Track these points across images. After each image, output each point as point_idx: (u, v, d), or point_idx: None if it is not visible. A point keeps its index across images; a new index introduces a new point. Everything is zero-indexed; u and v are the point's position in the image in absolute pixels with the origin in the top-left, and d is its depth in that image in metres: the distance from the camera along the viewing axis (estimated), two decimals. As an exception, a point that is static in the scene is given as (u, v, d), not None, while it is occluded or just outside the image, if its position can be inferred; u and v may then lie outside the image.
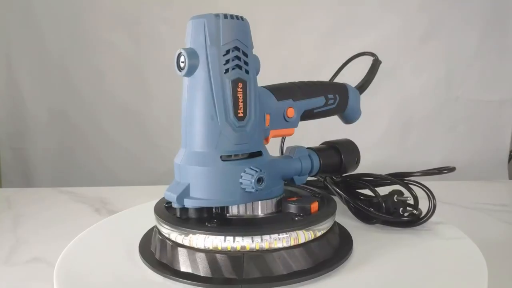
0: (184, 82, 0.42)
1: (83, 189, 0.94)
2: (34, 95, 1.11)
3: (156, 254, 0.43)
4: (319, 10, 1.04)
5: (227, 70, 0.40)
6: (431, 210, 0.51)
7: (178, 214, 0.42)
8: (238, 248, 0.39)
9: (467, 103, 1.06)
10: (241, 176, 0.41)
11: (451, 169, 0.54)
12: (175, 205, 0.41)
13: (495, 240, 0.63)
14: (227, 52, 0.41)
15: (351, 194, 0.54)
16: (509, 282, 0.51)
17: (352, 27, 1.04)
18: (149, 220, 0.57)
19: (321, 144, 0.54)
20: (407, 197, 0.52)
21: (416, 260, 0.44)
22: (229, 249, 0.39)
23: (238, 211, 0.43)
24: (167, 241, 0.42)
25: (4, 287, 0.53)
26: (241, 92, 0.41)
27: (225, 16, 0.41)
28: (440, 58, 1.05)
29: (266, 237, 0.39)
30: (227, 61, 0.40)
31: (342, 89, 0.54)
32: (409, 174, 0.55)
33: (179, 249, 0.41)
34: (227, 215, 0.43)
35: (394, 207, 0.51)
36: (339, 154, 0.52)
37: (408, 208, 0.52)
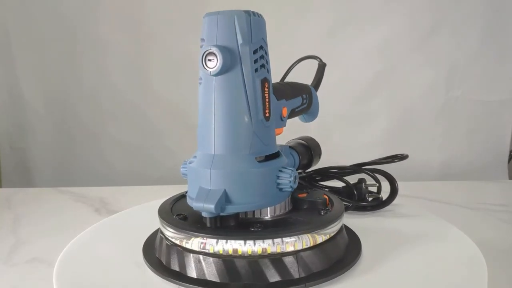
0: (209, 82, 0.39)
1: (83, 189, 0.94)
2: (34, 95, 1.11)
3: (169, 262, 0.41)
4: (320, 10, 1.04)
5: (256, 70, 0.40)
6: (396, 192, 0.58)
7: (208, 223, 0.40)
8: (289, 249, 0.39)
9: (467, 103, 1.06)
10: (278, 177, 0.41)
11: (403, 157, 0.60)
12: (206, 214, 0.39)
13: (495, 240, 0.63)
14: (256, 51, 0.40)
15: (318, 186, 0.59)
16: (509, 282, 0.51)
17: (352, 28, 1.04)
18: (149, 220, 0.57)
19: (287, 142, 0.56)
20: (375, 184, 0.58)
21: (416, 260, 0.44)
22: (279, 251, 0.39)
23: (268, 213, 0.43)
24: (187, 251, 0.40)
25: (4, 287, 0.53)
26: (267, 92, 0.41)
27: (253, 13, 0.40)
28: (440, 58, 1.05)
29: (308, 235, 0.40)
30: (256, 60, 0.40)
31: (309, 89, 0.56)
32: (368, 163, 0.61)
33: (213, 259, 0.39)
34: (258, 217, 0.42)
35: (363, 194, 0.57)
36: (309, 150, 0.55)
37: (373, 194, 0.58)
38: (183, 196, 0.49)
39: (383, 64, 1.06)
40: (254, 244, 0.38)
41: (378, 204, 0.57)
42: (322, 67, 0.61)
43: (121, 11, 1.06)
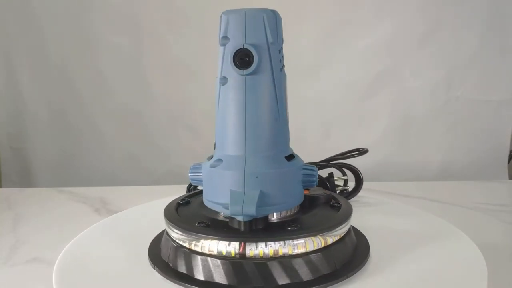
0: (239, 82, 0.39)
1: (83, 189, 0.94)
2: (34, 95, 1.11)
3: (192, 270, 0.39)
4: (319, 10, 1.04)
5: (281, 69, 0.40)
6: (360, 185, 0.61)
7: (243, 227, 0.39)
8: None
9: (467, 103, 1.06)
10: (303, 174, 0.41)
11: (363, 151, 0.62)
12: (242, 218, 0.38)
13: (495, 240, 0.63)
14: (280, 50, 0.40)
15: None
16: (509, 282, 0.51)
17: (352, 27, 1.04)
18: (149, 220, 0.58)
19: None
20: (345, 177, 0.62)
21: (415, 260, 0.44)
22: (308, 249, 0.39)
23: (286, 213, 0.43)
24: (211, 257, 0.38)
25: (4, 287, 0.53)
26: (286, 91, 0.41)
27: (277, 12, 0.40)
28: (440, 58, 1.05)
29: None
30: (280, 60, 0.40)
31: None
32: (333, 158, 0.64)
33: (245, 262, 0.38)
34: (279, 217, 0.42)
35: (333, 186, 0.60)
36: None
37: (340, 186, 0.62)
38: (183, 201, 0.48)
39: (383, 64, 1.06)
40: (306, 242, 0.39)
41: (346, 196, 0.61)
42: None
43: (121, 11, 1.06)
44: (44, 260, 0.59)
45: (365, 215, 0.56)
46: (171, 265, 0.41)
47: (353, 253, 0.43)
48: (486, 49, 1.04)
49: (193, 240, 0.39)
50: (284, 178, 0.40)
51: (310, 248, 0.39)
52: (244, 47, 0.38)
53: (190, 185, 0.66)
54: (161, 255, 0.43)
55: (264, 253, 0.38)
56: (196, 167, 0.43)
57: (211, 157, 0.43)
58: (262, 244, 0.37)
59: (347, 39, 1.04)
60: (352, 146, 1.07)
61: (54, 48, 1.08)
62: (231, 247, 0.38)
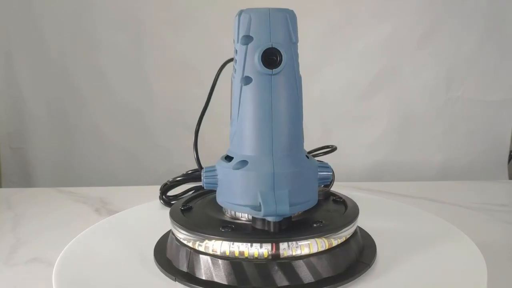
0: (264, 81, 0.38)
1: (83, 189, 0.94)
2: (34, 95, 1.11)
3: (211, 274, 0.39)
4: (319, 10, 1.04)
5: (298, 68, 0.40)
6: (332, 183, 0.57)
7: (272, 228, 0.39)
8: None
9: (467, 103, 1.06)
10: (320, 172, 0.41)
11: (333, 149, 0.61)
12: (274, 218, 0.38)
13: (495, 240, 0.63)
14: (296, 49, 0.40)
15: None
16: (509, 282, 0.51)
17: (352, 27, 1.04)
18: (149, 220, 0.58)
19: None
20: None
21: (415, 260, 0.44)
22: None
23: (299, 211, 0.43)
24: (231, 259, 0.38)
25: (4, 287, 0.53)
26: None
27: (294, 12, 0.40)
28: (440, 58, 1.05)
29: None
30: (296, 59, 0.40)
31: None
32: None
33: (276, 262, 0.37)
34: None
35: None
36: None
37: None
38: (185, 207, 0.46)
39: (383, 64, 1.06)
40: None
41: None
42: None
43: (121, 11, 1.06)
44: (44, 260, 0.59)
45: (364, 215, 0.56)
46: (195, 274, 0.39)
47: (363, 246, 0.45)
48: (486, 49, 1.04)
49: (220, 246, 0.38)
50: (308, 176, 0.40)
51: (340, 241, 0.40)
52: (273, 46, 0.37)
53: (164, 185, 0.66)
54: (178, 266, 0.41)
55: (297, 252, 0.38)
56: (211, 170, 0.41)
57: (226, 159, 0.41)
58: (294, 243, 0.38)
59: (347, 39, 1.04)
60: (352, 146, 1.08)
61: (54, 48, 1.08)
62: (263, 249, 0.37)
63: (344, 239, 0.41)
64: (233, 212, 0.43)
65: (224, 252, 0.38)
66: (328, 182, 0.42)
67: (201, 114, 0.57)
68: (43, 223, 0.75)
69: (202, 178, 0.41)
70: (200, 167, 0.57)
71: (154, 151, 1.11)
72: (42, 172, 1.14)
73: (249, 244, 0.37)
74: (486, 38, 1.03)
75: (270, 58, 0.37)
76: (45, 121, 1.12)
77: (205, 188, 0.42)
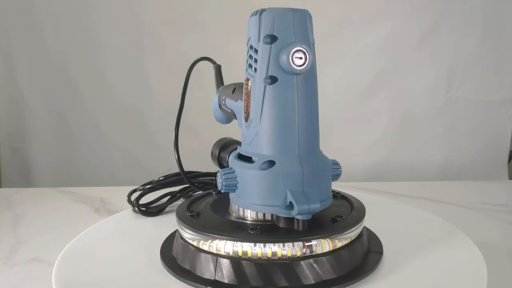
0: (289, 81, 0.38)
1: (83, 189, 0.94)
2: (34, 95, 1.11)
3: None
4: (319, 10, 1.04)
5: (316, 69, 0.40)
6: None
7: (301, 227, 0.39)
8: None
9: (467, 103, 1.06)
10: (333, 169, 0.42)
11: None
12: (305, 216, 0.38)
13: (495, 240, 0.63)
14: None
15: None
16: (508, 282, 0.51)
17: (352, 28, 1.04)
18: (148, 220, 0.58)
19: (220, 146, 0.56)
20: None
21: (415, 260, 0.44)
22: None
23: None
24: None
25: (4, 287, 0.53)
26: None
27: None
28: (440, 58, 1.05)
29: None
30: (315, 59, 0.40)
31: None
32: None
33: (300, 262, 0.38)
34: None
35: None
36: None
37: None
38: (192, 213, 0.45)
39: (383, 64, 1.06)
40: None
41: None
42: (218, 69, 0.62)
43: (121, 11, 1.06)
44: (44, 260, 0.59)
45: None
46: (225, 281, 0.38)
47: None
48: (486, 49, 1.04)
49: (253, 248, 0.38)
50: (329, 173, 0.41)
51: (357, 234, 0.42)
52: (301, 46, 0.37)
53: (133, 191, 0.64)
54: (203, 274, 0.39)
55: (326, 249, 0.39)
56: (229, 172, 0.41)
57: (242, 159, 0.41)
58: (327, 240, 0.39)
59: (347, 39, 1.04)
60: (352, 146, 1.08)
61: (54, 48, 1.08)
62: (296, 247, 0.38)
63: (359, 232, 0.42)
64: (240, 213, 0.43)
65: (256, 254, 0.38)
66: (337, 179, 0.43)
67: (178, 116, 0.57)
68: (43, 223, 0.75)
69: (219, 180, 0.40)
70: (182, 170, 0.57)
71: (154, 151, 1.11)
72: (42, 172, 1.14)
73: (281, 244, 0.37)
74: (486, 38, 1.03)
75: (298, 58, 0.38)
76: (45, 121, 1.12)
77: (223, 191, 0.41)
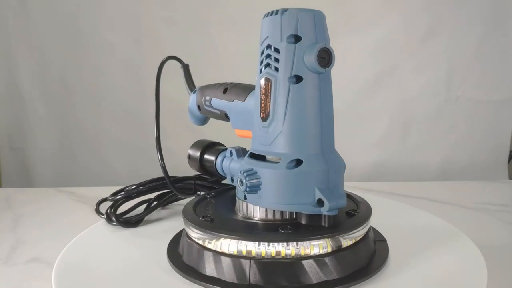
0: (313, 80, 0.39)
1: (83, 189, 0.94)
2: (34, 95, 1.11)
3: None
4: (320, 9, 1.04)
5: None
6: None
7: (327, 223, 0.39)
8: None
9: (467, 103, 1.06)
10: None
11: None
12: (330, 212, 0.38)
13: (495, 240, 0.63)
14: None
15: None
16: (509, 282, 0.51)
17: (352, 28, 1.04)
18: (148, 220, 0.57)
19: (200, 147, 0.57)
20: None
21: (414, 260, 0.43)
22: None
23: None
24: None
25: (4, 287, 0.53)
26: None
27: None
28: (440, 58, 1.05)
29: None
30: None
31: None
32: None
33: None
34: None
35: None
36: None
37: None
38: (206, 218, 0.43)
39: (383, 64, 1.06)
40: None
41: None
42: (186, 68, 0.62)
43: (121, 11, 1.06)
44: (44, 260, 0.59)
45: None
46: (260, 283, 0.38)
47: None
48: (486, 49, 1.04)
49: (286, 248, 0.38)
50: (344, 170, 0.41)
51: (368, 227, 0.44)
52: (326, 46, 0.38)
53: (103, 201, 0.60)
54: (234, 280, 0.38)
55: (351, 242, 0.40)
56: (253, 173, 0.40)
57: (261, 160, 0.41)
58: (350, 235, 0.40)
59: (347, 39, 1.04)
60: (352, 146, 1.08)
61: (54, 48, 1.08)
62: (326, 243, 0.38)
63: (369, 226, 0.44)
64: (248, 213, 0.43)
65: (290, 254, 0.38)
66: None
67: (156, 118, 0.56)
68: (43, 223, 0.75)
69: (243, 182, 0.40)
70: (167, 174, 0.55)
71: (154, 151, 1.11)
72: (42, 172, 1.14)
73: (311, 241, 0.38)
74: (486, 38, 1.03)
75: (322, 58, 0.38)
76: (45, 121, 1.12)
77: (247, 192, 0.40)
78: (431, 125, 1.08)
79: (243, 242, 0.38)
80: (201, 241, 0.41)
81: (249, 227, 0.41)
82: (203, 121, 0.60)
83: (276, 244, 0.38)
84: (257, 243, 0.38)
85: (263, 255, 0.38)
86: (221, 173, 0.52)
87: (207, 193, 0.50)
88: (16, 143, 1.14)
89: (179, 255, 0.43)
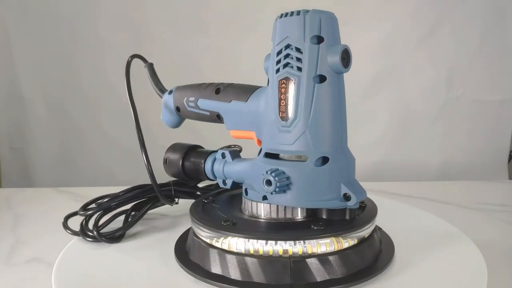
0: (336, 80, 0.41)
1: (83, 189, 0.94)
2: (34, 95, 1.11)
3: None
4: (320, 8, 1.04)
5: None
6: None
7: (348, 215, 0.41)
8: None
9: (467, 103, 1.06)
10: None
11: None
12: (352, 206, 0.40)
13: (495, 241, 0.63)
14: None
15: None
16: (509, 282, 0.51)
17: (352, 27, 1.04)
18: (148, 220, 0.58)
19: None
20: None
21: (414, 260, 0.44)
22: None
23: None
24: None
25: (4, 287, 0.53)
26: None
27: None
28: (440, 58, 1.05)
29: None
30: None
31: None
32: None
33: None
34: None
35: None
36: None
37: None
38: (229, 222, 0.42)
39: (383, 64, 1.06)
40: None
41: None
42: (151, 67, 0.62)
43: (121, 11, 1.06)
44: (44, 260, 0.59)
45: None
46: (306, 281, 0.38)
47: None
48: (486, 49, 1.04)
49: (329, 245, 0.39)
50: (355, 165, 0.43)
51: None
52: (346, 47, 0.41)
53: (72, 214, 0.56)
54: (274, 281, 0.38)
55: (369, 233, 0.42)
56: (281, 173, 0.40)
57: (281, 159, 0.41)
58: (367, 226, 0.42)
59: (346, 39, 1.04)
60: (352, 145, 1.08)
61: (55, 48, 1.08)
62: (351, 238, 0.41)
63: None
64: (253, 212, 0.43)
65: (333, 249, 0.39)
66: None
67: (135, 120, 0.56)
68: (43, 223, 0.75)
69: (271, 181, 0.39)
70: (155, 181, 0.54)
71: (154, 151, 1.11)
72: (42, 172, 1.14)
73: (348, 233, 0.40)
74: (486, 38, 1.03)
75: (343, 58, 0.40)
76: (45, 121, 1.12)
77: (276, 192, 0.40)
78: (431, 125, 1.08)
79: (280, 242, 0.38)
80: (236, 247, 0.39)
81: (277, 227, 0.41)
82: (180, 123, 0.59)
83: (312, 241, 0.38)
84: (292, 242, 0.38)
85: (300, 253, 0.38)
86: (210, 176, 0.50)
87: (204, 197, 0.49)
88: (16, 143, 1.14)
89: (198, 265, 0.42)
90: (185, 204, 0.55)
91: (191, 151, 0.55)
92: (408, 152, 1.09)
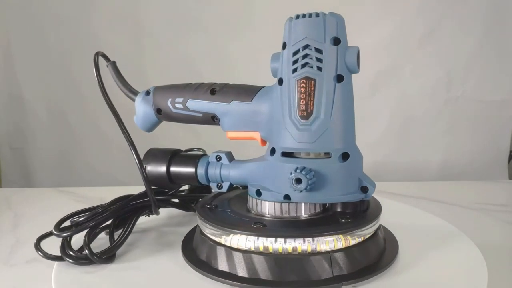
0: (350, 80, 0.43)
1: (83, 189, 0.94)
2: (34, 95, 1.11)
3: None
4: (320, 9, 1.04)
5: None
6: None
7: (361, 207, 0.45)
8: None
9: (467, 103, 1.06)
10: None
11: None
12: (367, 197, 0.43)
13: (495, 240, 0.63)
14: None
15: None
16: (509, 282, 0.51)
17: (352, 27, 1.04)
18: (147, 220, 0.58)
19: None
20: None
21: (414, 260, 0.44)
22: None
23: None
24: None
25: (4, 287, 0.53)
26: None
27: None
28: (440, 58, 1.05)
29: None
30: None
31: None
32: None
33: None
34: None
35: None
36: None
37: None
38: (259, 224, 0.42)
39: (383, 64, 1.06)
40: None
41: None
42: (114, 65, 0.60)
43: (121, 11, 1.06)
44: (44, 260, 0.59)
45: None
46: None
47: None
48: (486, 49, 1.04)
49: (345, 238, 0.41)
50: None
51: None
52: (358, 49, 0.43)
53: (46, 235, 0.51)
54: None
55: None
56: (309, 171, 0.40)
57: (297, 157, 0.42)
58: (373, 223, 0.44)
59: (347, 39, 1.04)
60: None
61: (55, 48, 1.08)
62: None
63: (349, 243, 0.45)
64: (259, 210, 0.44)
65: (349, 242, 0.41)
66: None
67: (120, 124, 0.55)
68: (43, 223, 0.74)
69: (302, 180, 0.39)
70: (149, 187, 0.51)
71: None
72: (42, 172, 1.14)
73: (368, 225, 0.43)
74: (486, 38, 1.03)
75: (355, 58, 0.43)
76: (45, 121, 1.12)
77: (306, 190, 0.40)
78: (431, 125, 1.08)
79: (317, 238, 0.39)
80: (276, 247, 0.40)
81: (303, 224, 0.43)
82: (155, 126, 0.58)
83: (333, 237, 0.40)
84: (301, 239, 0.39)
85: (324, 249, 0.39)
86: (202, 181, 0.48)
87: (207, 203, 0.47)
88: (16, 143, 1.14)
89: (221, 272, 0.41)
90: (162, 212, 0.54)
91: (175, 157, 0.52)
92: (408, 152, 1.09)
